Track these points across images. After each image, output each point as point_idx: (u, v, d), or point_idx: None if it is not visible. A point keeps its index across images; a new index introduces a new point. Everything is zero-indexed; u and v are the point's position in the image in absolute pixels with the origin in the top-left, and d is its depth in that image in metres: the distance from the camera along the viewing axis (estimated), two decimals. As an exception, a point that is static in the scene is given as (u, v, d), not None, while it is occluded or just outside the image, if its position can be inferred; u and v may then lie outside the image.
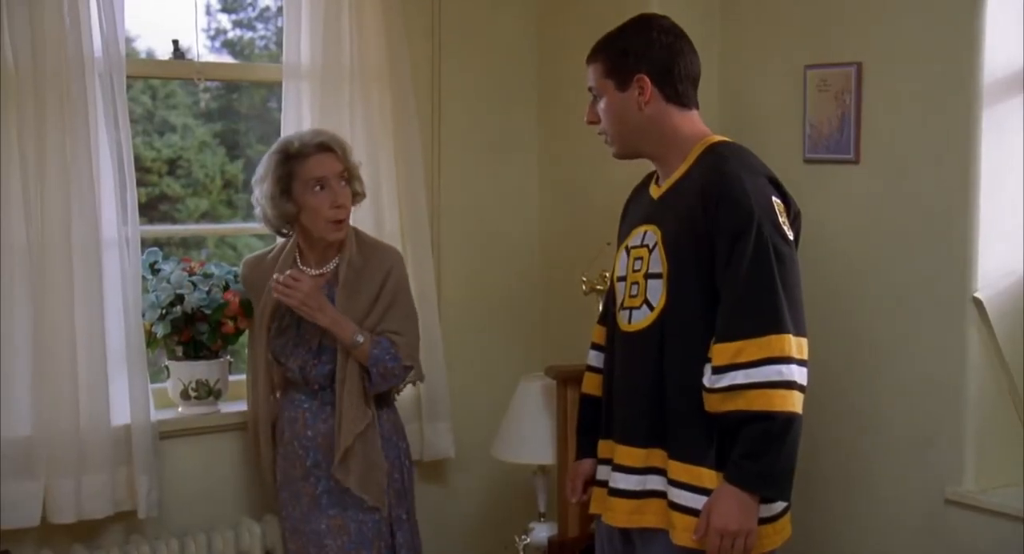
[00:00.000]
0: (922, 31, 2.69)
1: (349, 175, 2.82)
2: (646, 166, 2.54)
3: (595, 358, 2.63)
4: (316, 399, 2.86)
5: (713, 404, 2.25)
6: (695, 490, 2.29)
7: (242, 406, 3.18)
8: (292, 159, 2.78)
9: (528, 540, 3.17)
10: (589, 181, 3.47)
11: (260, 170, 2.84)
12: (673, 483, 2.31)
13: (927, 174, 2.70)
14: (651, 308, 2.35)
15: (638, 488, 2.37)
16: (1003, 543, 2.59)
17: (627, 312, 2.41)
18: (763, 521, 2.30)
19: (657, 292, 2.34)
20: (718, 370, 2.22)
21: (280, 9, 3.34)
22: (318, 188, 2.76)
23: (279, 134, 3.28)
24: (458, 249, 3.21)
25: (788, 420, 2.20)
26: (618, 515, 2.40)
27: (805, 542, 2.74)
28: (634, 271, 2.40)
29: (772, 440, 2.20)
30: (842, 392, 2.87)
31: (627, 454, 2.39)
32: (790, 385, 2.21)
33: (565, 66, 3.54)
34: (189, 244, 4.03)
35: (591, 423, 2.58)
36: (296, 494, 2.87)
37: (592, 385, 2.63)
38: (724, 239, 2.25)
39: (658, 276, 2.34)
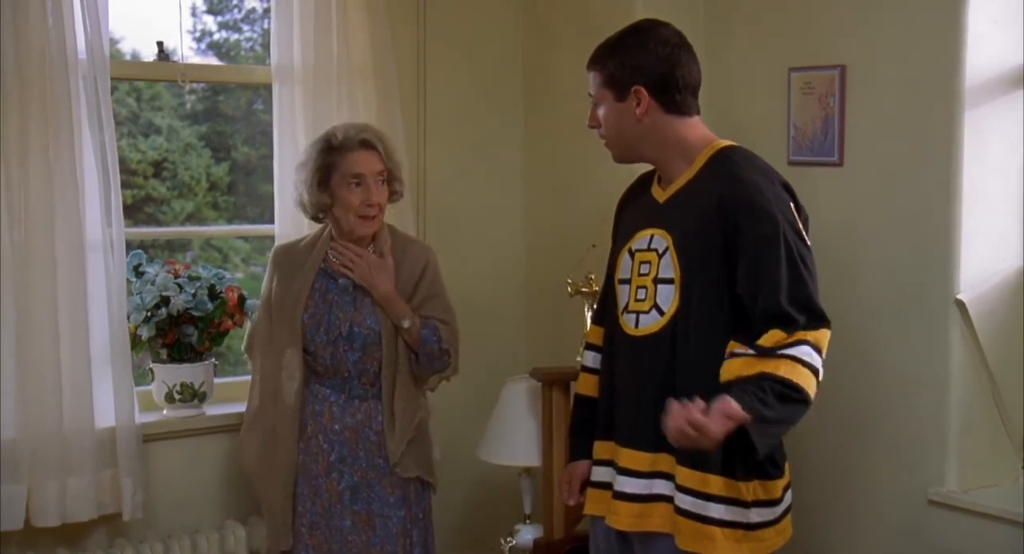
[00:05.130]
0: (905, 34, 2.71)
1: (389, 175, 2.85)
2: (634, 168, 2.54)
3: (591, 359, 2.61)
4: (343, 392, 2.86)
5: (737, 369, 2.19)
6: (702, 496, 2.29)
7: (227, 408, 3.18)
8: (334, 151, 2.80)
9: (514, 542, 3.17)
10: (574, 183, 3.48)
11: (303, 156, 2.88)
12: (680, 489, 2.31)
13: (910, 176, 2.71)
14: (661, 313, 2.33)
15: (644, 492, 2.36)
16: (986, 544, 2.60)
17: (633, 316, 2.38)
18: (765, 524, 2.33)
19: (668, 297, 2.32)
20: (759, 348, 2.20)
21: (266, 11, 3.34)
22: (354, 184, 2.79)
23: (265, 136, 3.28)
24: (443, 250, 3.19)
25: (806, 403, 2.20)
26: (622, 518, 2.39)
27: (789, 542, 2.74)
28: (640, 275, 2.37)
29: (788, 408, 2.17)
30: (826, 393, 2.86)
31: (633, 458, 2.38)
32: (816, 372, 2.22)
33: (551, 66, 3.56)
34: (174, 246, 4.01)
35: (586, 424, 2.57)
36: (316, 489, 2.85)
37: (587, 386, 2.61)
38: (747, 246, 2.23)
39: (669, 281, 2.32)
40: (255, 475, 2.92)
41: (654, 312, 2.34)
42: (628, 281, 2.40)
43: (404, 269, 2.87)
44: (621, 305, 2.42)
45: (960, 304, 2.63)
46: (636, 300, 2.38)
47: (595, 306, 2.71)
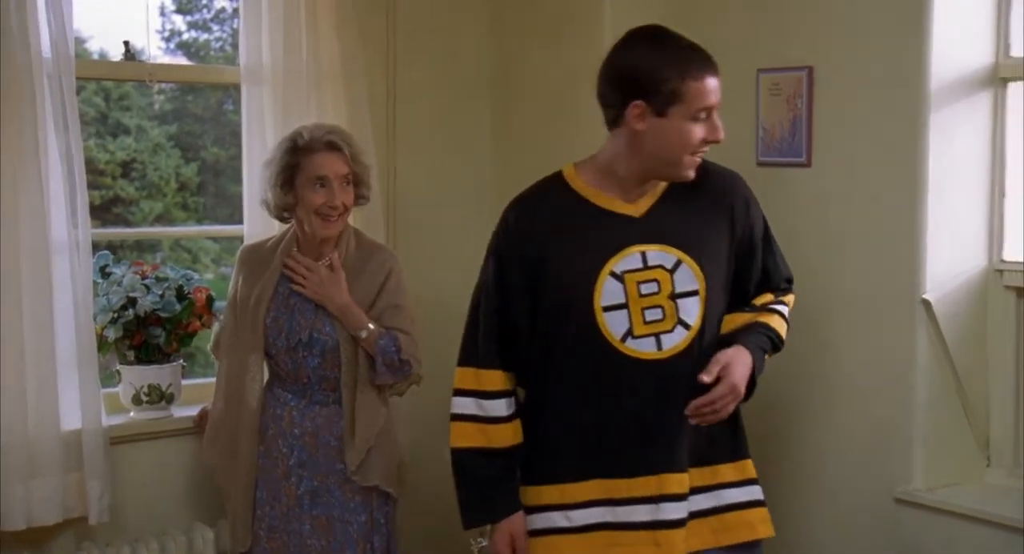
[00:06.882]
0: (871, 36, 2.73)
1: (355, 178, 2.82)
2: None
3: (507, 406, 2.33)
4: (304, 396, 2.84)
5: (736, 322, 2.34)
6: (752, 482, 2.35)
7: (195, 410, 3.14)
8: (299, 152, 2.78)
9: (484, 542, 3.16)
10: (544, 184, 3.47)
11: (268, 155, 2.86)
12: (733, 485, 2.32)
13: (877, 177, 2.73)
14: (687, 327, 2.24)
15: (686, 514, 2.29)
16: (951, 541, 2.63)
17: (650, 339, 2.23)
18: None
19: (693, 310, 2.25)
20: (754, 307, 2.39)
21: (236, 11, 3.32)
22: (318, 185, 2.77)
23: (235, 136, 3.26)
24: (412, 253, 3.20)
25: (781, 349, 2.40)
26: (677, 546, 2.27)
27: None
28: (644, 295, 2.23)
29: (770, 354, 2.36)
30: (793, 391, 2.89)
31: (677, 482, 2.27)
32: (788, 324, 2.42)
33: (521, 68, 3.56)
34: (144, 247, 3.99)
35: (511, 475, 2.34)
36: (276, 493, 2.83)
37: (505, 437, 2.32)
38: (759, 240, 2.35)
39: (693, 293, 2.25)
40: (218, 476, 2.90)
41: (679, 329, 2.24)
42: (623, 305, 2.23)
43: (366, 277, 2.84)
44: (619, 332, 2.23)
45: (926, 303, 2.65)
46: (647, 323, 2.23)
47: (487, 349, 2.33)
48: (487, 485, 2.35)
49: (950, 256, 2.69)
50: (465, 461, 2.35)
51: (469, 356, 2.36)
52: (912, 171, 2.65)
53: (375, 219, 3.25)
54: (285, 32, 3.15)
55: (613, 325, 2.24)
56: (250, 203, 3.19)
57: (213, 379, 3.08)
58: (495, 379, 2.33)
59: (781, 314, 2.39)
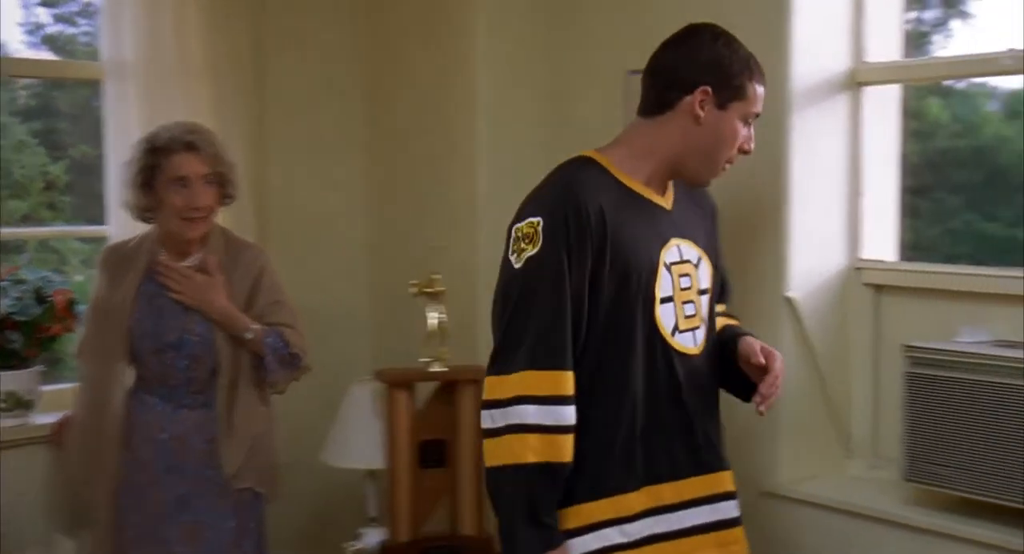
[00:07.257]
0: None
1: (217, 178, 2.75)
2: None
3: (570, 414, 2.08)
4: (171, 400, 2.76)
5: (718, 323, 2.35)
6: (734, 496, 2.29)
7: (57, 417, 3.05)
8: (158, 152, 2.70)
9: (358, 545, 3.14)
10: (417, 183, 3.46)
11: (128, 156, 2.77)
12: (730, 496, 2.28)
13: (743, 178, 2.77)
14: (705, 324, 2.25)
15: (710, 519, 2.24)
16: (815, 531, 2.69)
17: (689, 334, 2.20)
18: None
19: (706, 308, 2.25)
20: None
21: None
22: (179, 186, 2.70)
23: (102, 133, 3.18)
24: (284, 251, 3.15)
25: None
26: (741, 542, 2.25)
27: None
28: (683, 289, 2.20)
29: None
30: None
31: (728, 479, 2.27)
32: None
33: (394, 64, 3.54)
34: (9, 248, 3.84)
35: (559, 498, 2.11)
36: (141, 501, 2.75)
37: (570, 449, 2.08)
38: (720, 244, 2.36)
39: (707, 291, 2.25)
40: (80, 485, 2.81)
41: (703, 325, 2.24)
42: (671, 299, 2.18)
43: (237, 277, 2.78)
44: (669, 326, 2.17)
45: (790, 301, 2.72)
46: (686, 317, 2.20)
47: (563, 348, 2.07)
48: (546, 510, 2.06)
49: (812, 255, 2.76)
50: (528, 480, 2.05)
51: (542, 357, 2.05)
52: (776, 172, 2.71)
53: (244, 218, 3.20)
54: (150, 26, 3.08)
55: (665, 318, 2.17)
56: (115, 203, 3.10)
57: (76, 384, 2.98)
58: (570, 382, 2.07)
59: (739, 323, 2.41)
